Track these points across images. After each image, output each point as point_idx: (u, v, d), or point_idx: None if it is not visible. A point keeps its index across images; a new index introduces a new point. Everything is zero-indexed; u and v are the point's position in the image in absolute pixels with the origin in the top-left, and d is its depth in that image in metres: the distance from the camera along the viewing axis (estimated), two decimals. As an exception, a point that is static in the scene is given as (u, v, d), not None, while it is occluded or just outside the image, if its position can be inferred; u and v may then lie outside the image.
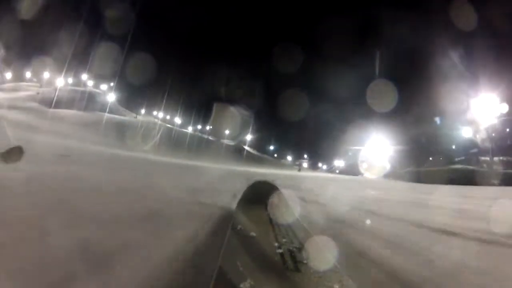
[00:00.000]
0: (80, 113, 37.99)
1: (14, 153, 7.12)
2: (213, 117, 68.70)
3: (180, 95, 65.40)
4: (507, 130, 21.84)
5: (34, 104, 35.58)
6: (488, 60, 22.06)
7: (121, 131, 36.64)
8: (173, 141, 44.67)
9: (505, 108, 18.25)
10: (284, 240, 2.88)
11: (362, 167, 37.50)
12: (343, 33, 46.86)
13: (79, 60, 48.27)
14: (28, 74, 51.85)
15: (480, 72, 20.50)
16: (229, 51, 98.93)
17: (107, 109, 43.62)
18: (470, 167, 18.52)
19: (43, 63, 47.87)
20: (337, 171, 50.50)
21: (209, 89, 73.37)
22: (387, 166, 28.90)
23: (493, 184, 15.09)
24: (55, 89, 41.25)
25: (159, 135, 43.53)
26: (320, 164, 66.70)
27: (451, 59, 24.65)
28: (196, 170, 18.30)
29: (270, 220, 3.72)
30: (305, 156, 74.51)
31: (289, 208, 4.72)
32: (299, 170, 29.32)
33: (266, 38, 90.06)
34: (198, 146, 47.52)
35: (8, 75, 45.44)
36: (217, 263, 2.03)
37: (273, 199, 4.75)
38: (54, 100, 36.78)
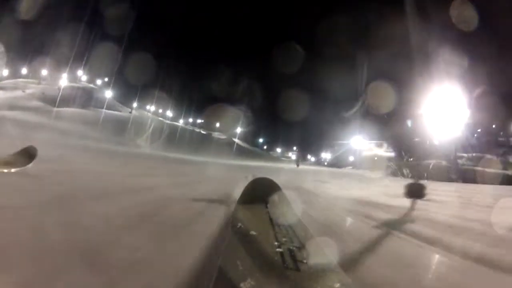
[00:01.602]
0: (84, 111, 39.40)
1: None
2: (204, 111, 70.60)
3: (172, 89, 67.02)
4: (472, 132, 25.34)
5: (39, 104, 36.70)
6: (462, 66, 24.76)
7: (123, 128, 38.37)
8: (167, 136, 46.45)
9: (467, 113, 21.24)
10: (284, 239, 2.77)
11: (348, 161, 40.47)
12: (336, 31, 49.00)
13: (74, 55, 48.42)
14: (24, 71, 51.99)
15: (453, 77, 23.10)
16: (221, 46, 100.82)
17: (105, 106, 45.24)
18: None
19: (39, 59, 48.35)
20: (326, 163, 53.21)
21: (201, 83, 74.85)
22: (372, 160, 31.57)
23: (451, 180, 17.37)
24: (58, 88, 42.42)
25: (151, 130, 44.95)
26: (309, 156, 69.01)
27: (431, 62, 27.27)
28: (198, 165, 19.14)
29: (270, 219, 3.56)
30: (294, 148, 77.20)
31: (290, 207, 4.57)
32: (298, 165, 28.43)
33: (261, 33, 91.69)
34: (190, 140, 49.37)
35: (5, 72, 45.38)
36: (217, 263, 2.03)
37: (274, 197, 4.70)
38: (58, 99, 38.19)
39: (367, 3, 50.10)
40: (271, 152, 76.87)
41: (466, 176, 17.21)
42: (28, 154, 6.04)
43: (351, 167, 34.96)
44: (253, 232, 2.76)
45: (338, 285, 1.94)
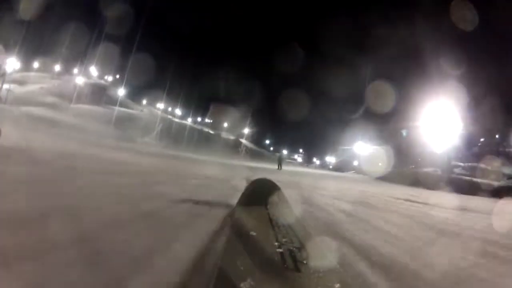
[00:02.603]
0: (98, 108, 40.61)
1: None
2: (212, 111, 72.10)
3: (181, 87, 68.76)
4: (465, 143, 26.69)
5: (55, 99, 37.65)
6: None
7: (135, 126, 39.61)
8: (176, 134, 47.33)
9: (460, 125, 22.58)
10: (284, 239, 2.82)
11: (351, 165, 41.71)
12: (341, 33, 50.22)
13: (85, 51, 51.08)
14: (36, 64, 53.11)
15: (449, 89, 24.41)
16: (230, 48, 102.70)
17: (118, 103, 46.19)
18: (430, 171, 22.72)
19: (50, 53, 49.72)
20: (330, 167, 54.44)
21: (209, 83, 76.14)
22: (373, 166, 32.77)
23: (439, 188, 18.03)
24: (74, 85, 43.48)
25: (160, 128, 45.84)
26: (314, 159, 69.84)
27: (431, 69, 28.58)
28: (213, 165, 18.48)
29: (270, 219, 3.64)
30: (301, 150, 78.32)
31: (290, 207, 4.70)
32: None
33: (266, 35, 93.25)
34: (198, 139, 50.36)
35: (17, 64, 44.41)
36: (217, 263, 2.07)
37: (273, 198, 4.81)
38: (74, 96, 39.49)
39: (376, 18, 51.50)
40: (277, 154, 77.20)
41: (456, 185, 17.89)
42: None
43: (353, 171, 36.11)
44: (253, 233, 2.85)
45: (338, 285, 2.01)
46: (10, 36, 38.00)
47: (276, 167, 25.25)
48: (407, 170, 23.85)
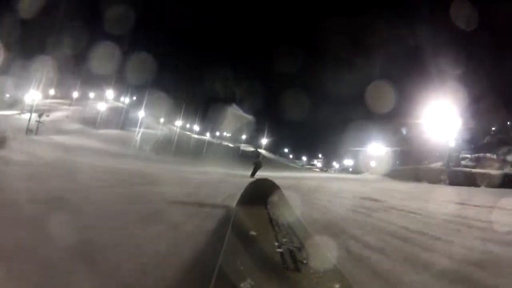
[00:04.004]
0: (121, 132, 42.56)
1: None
2: (230, 123, 74.04)
3: (198, 104, 71.14)
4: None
5: (80, 126, 39.25)
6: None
7: (158, 145, 40.77)
8: (194, 150, 48.74)
9: (459, 121, 24.03)
10: (284, 239, 2.82)
11: (365, 167, 43.14)
12: (352, 33, 51.62)
13: (100, 75, 50.81)
14: (52, 92, 53.27)
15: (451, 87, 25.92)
16: (241, 60, 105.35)
17: (139, 124, 47.84)
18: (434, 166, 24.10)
19: (65, 79, 51.09)
20: (350, 169, 55.67)
21: (224, 96, 78.09)
22: (385, 165, 34.22)
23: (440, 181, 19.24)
24: (96, 110, 45.54)
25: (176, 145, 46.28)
26: (334, 163, 70.68)
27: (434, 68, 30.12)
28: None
29: (270, 219, 3.64)
30: (320, 155, 79.58)
31: (290, 207, 4.69)
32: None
33: (276, 43, 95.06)
34: (217, 153, 50.94)
35: (38, 95, 44.96)
36: (217, 263, 2.09)
37: (273, 197, 4.81)
38: (98, 122, 41.57)
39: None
40: (296, 161, 79.51)
41: (455, 178, 19.18)
42: None
43: (368, 172, 37.57)
44: (253, 232, 2.89)
45: (338, 285, 2.04)
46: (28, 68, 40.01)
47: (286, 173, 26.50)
48: (411, 167, 25.27)
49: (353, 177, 29.64)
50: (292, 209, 4.51)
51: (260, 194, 4.92)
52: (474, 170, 20.55)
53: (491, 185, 17.63)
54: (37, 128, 32.92)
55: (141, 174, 12.49)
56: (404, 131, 34.84)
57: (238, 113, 67.31)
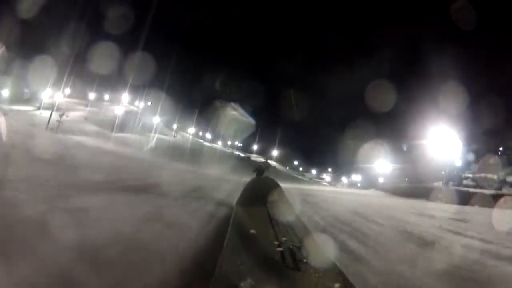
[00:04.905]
0: (137, 136, 43.22)
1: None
2: (241, 133, 75.23)
3: (210, 113, 72.48)
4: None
5: (97, 128, 39.73)
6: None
7: (170, 152, 41.05)
8: (206, 158, 47.14)
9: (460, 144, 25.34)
10: (284, 238, 2.86)
11: (373, 183, 44.28)
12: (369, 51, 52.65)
13: (115, 77, 51.21)
14: (67, 91, 51.71)
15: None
16: (257, 73, 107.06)
17: (154, 130, 49.35)
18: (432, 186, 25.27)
19: (80, 79, 50.97)
20: (359, 185, 56.71)
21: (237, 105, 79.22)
22: (391, 182, 35.39)
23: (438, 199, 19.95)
24: (113, 113, 46.19)
25: (189, 152, 46.95)
26: (343, 178, 71.29)
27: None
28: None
29: (270, 218, 3.62)
30: (329, 169, 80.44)
31: (290, 206, 4.70)
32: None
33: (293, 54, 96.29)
34: (228, 162, 49.78)
35: (50, 92, 45.66)
36: (217, 262, 2.13)
37: (273, 196, 4.70)
38: (115, 125, 42.31)
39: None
40: (306, 174, 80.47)
41: (451, 196, 20.00)
42: None
43: (374, 188, 38.69)
44: (253, 231, 2.97)
45: (338, 285, 2.06)
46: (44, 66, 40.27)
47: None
48: (413, 185, 26.45)
49: (357, 192, 30.91)
50: (292, 208, 4.68)
51: (260, 193, 5.01)
52: (471, 190, 21.54)
53: (484, 204, 18.05)
54: (58, 127, 33.92)
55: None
56: (410, 150, 36.01)
57: (248, 122, 68.16)
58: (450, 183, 26.28)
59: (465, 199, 19.47)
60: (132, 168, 16.75)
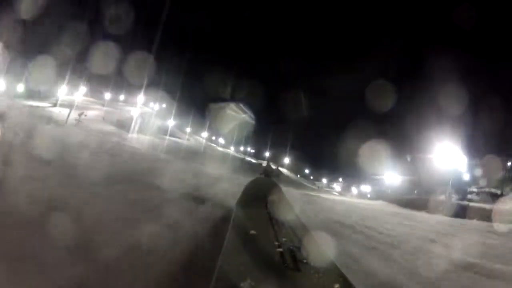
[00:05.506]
0: (153, 139, 43.42)
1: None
2: (253, 139, 75.92)
3: (224, 117, 73.37)
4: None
5: (114, 129, 40.13)
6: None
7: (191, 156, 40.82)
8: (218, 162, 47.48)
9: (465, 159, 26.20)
10: (284, 239, 2.91)
11: (382, 194, 44.96)
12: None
13: (130, 78, 49.66)
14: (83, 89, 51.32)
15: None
16: (270, 78, 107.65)
17: (168, 133, 49.80)
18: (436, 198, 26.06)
19: (99, 79, 50.08)
20: (368, 196, 56.83)
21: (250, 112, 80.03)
22: (398, 193, 36.22)
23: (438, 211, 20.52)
24: (129, 114, 46.94)
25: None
26: (353, 188, 71.51)
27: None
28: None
29: (270, 218, 3.66)
30: (340, 179, 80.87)
31: (289, 206, 4.68)
32: None
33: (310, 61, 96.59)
34: (241, 167, 50.07)
35: (65, 89, 45.70)
36: (217, 262, 2.16)
37: (273, 197, 4.65)
38: (132, 126, 42.84)
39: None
40: (316, 182, 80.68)
41: (451, 210, 20.74)
42: None
43: (381, 199, 39.42)
44: (253, 232, 3.03)
45: (338, 285, 2.10)
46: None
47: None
48: (417, 197, 27.32)
49: (364, 202, 31.85)
50: (292, 208, 4.71)
51: (260, 193, 5.05)
52: (471, 204, 22.26)
53: (483, 218, 18.67)
54: (76, 125, 34.83)
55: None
56: (419, 163, 36.77)
57: (259, 128, 68.42)
58: (454, 196, 27.05)
59: (464, 212, 20.23)
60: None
